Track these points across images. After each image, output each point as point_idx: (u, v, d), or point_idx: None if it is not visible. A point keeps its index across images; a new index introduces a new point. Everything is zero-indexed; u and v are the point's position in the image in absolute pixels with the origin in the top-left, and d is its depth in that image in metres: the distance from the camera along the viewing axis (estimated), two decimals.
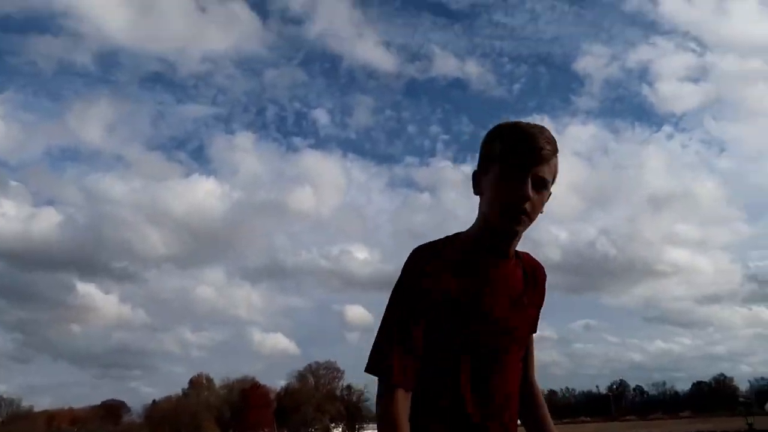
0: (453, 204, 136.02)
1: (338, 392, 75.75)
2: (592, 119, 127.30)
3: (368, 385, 79.14)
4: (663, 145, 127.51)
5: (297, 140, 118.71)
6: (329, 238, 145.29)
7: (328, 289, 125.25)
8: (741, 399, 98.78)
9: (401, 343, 1.16)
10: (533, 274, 1.34)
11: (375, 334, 1.22)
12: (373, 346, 1.20)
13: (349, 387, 76.55)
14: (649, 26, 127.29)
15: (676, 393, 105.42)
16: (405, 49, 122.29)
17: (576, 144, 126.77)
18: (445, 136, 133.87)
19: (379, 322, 1.23)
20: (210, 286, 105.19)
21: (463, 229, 1.30)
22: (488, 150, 1.23)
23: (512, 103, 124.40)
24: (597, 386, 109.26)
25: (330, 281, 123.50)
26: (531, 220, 1.21)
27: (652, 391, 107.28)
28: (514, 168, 1.17)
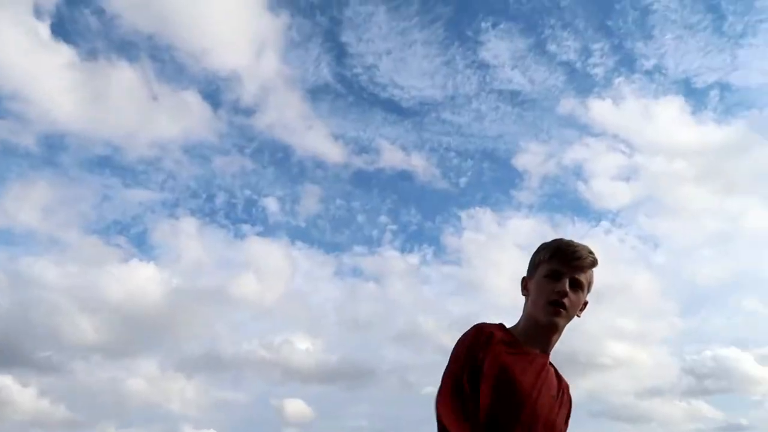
0: (398, 294, 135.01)
1: None
2: (533, 213, 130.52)
3: None
4: (601, 240, 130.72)
5: (245, 227, 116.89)
6: (271, 328, 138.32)
7: (268, 381, 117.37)
8: None
9: (467, 405, 1.31)
10: (561, 383, 1.50)
11: (437, 396, 1.38)
12: (444, 409, 1.35)
13: None
14: (582, 128, 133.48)
15: None
16: (354, 142, 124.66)
17: (518, 237, 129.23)
18: (393, 226, 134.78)
19: (440, 385, 1.38)
20: (142, 378, 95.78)
21: None
22: (536, 257, 1.50)
23: (457, 195, 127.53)
24: None
25: (270, 373, 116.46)
26: (569, 316, 1.43)
27: None
28: (555, 270, 1.43)
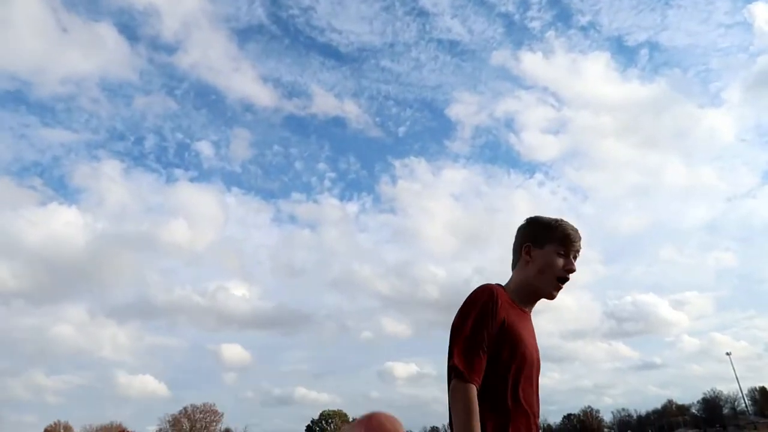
0: (335, 241, 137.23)
1: None
2: (470, 164, 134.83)
3: (249, 427, 76.01)
4: (535, 192, 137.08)
5: (178, 172, 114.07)
6: (205, 275, 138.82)
7: (203, 327, 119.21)
8: (606, 429, 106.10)
9: (479, 352, 1.58)
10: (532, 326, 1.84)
11: (452, 340, 1.61)
12: (456, 349, 1.58)
13: (227, 431, 72.75)
14: (514, 80, 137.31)
15: (549, 425, 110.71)
16: (284, 86, 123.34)
17: (452, 187, 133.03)
18: (332, 174, 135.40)
19: (455, 330, 1.62)
20: (69, 324, 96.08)
21: None
22: (547, 233, 1.80)
23: (394, 144, 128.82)
24: None
25: (205, 319, 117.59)
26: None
27: None
28: (566, 250, 1.79)
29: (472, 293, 1.68)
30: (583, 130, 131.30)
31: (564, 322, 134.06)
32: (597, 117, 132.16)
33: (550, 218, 1.85)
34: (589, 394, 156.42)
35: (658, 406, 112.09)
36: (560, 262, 1.77)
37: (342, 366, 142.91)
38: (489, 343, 1.60)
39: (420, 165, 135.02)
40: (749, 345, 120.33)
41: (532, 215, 1.90)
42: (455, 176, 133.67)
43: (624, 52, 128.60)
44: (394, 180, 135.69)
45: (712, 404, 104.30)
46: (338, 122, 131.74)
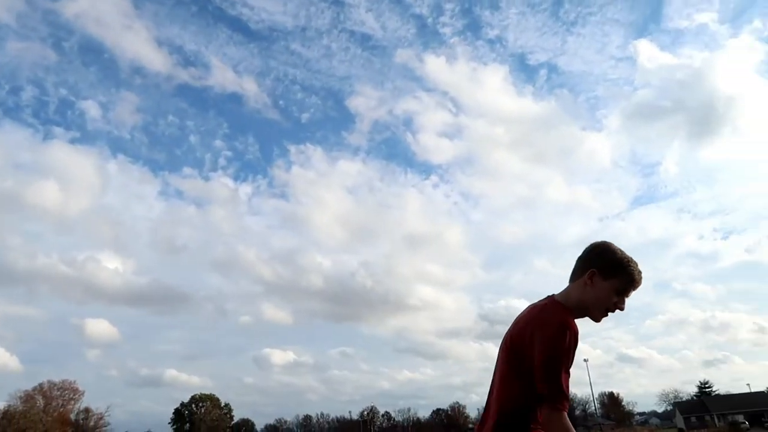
0: (221, 221, 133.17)
1: (73, 416, 67.02)
2: (369, 158, 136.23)
3: (110, 407, 71.59)
4: (429, 192, 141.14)
5: (58, 130, 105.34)
6: (75, 243, 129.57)
7: (68, 299, 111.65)
8: (470, 426, 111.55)
9: (568, 385, 1.81)
10: None
11: (557, 366, 1.80)
12: (565, 378, 1.80)
13: (86, 410, 68.30)
14: (417, 80, 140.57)
15: (419, 419, 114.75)
16: (180, 53, 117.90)
17: (346, 179, 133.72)
18: (229, 152, 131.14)
19: (551, 361, 1.80)
20: None
21: None
22: (618, 269, 1.93)
23: (295, 129, 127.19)
24: (350, 412, 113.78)
25: (71, 290, 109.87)
26: None
27: (398, 417, 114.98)
28: (625, 290, 1.94)
29: (566, 325, 1.85)
30: (478, 138, 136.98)
31: (441, 321, 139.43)
32: (492, 127, 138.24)
33: (623, 255, 1.95)
34: (458, 391, 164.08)
35: None
36: (615, 299, 1.95)
37: (217, 350, 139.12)
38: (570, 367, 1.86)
39: (316, 153, 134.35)
40: (603, 354, 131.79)
41: (608, 242, 2.01)
42: (351, 168, 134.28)
43: (525, 70, 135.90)
44: (288, 165, 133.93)
45: None
46: (235, 99, 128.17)
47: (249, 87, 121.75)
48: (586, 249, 2.02)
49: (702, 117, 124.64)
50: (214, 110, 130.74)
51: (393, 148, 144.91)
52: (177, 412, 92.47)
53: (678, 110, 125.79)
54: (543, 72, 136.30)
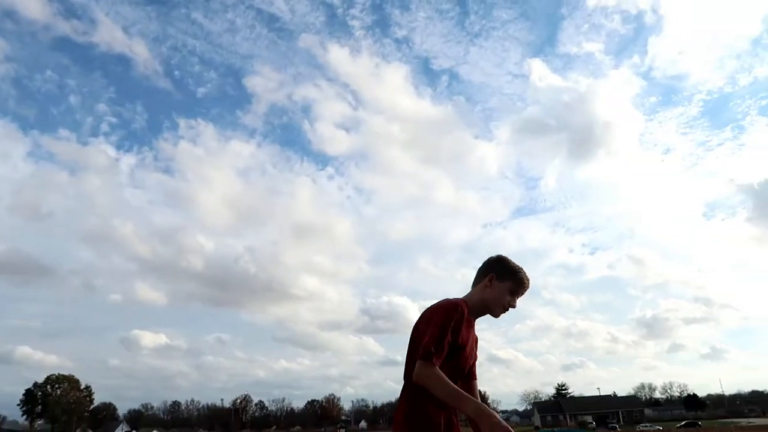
0: (96, 192, 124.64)
1: None
2: (264, 142, 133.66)
3: None
4: (322, 184, 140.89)
5: None
6: None
7: None
8: (344, 417, 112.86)
9: (440, 348, 2.10)
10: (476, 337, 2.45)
11: (424, 329, 2.16)
12: (428, 342, 2.09)
13: None
14: (319, 68, 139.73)
15: (293, 409, 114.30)
16: (63, 2, 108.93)
17: (237, 160, 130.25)
18: (113, 119, 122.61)
19: (425, 326, 2.18)
20: None
21: None
22: (510, 273, 2.38)
23: (184, 102, 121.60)
24: (222, 399, 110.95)
25: None
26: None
27: (272, 407, 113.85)
28: (516, 292, 2.40)
29: (444, 303, 2.24)
30: (375, 134, 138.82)
31: (324, 312, 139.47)
32: (389, 124, 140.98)
33: (515, 264, 2.42)
34: (334, 383, 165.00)
35: (393, 399, 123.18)
36: (509, 297, 2.38)
37: (81, 328, 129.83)
38: (449, 340, 2.13)
39: (208, 130, 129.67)
40: None
41: (503, 255, 2.45)
42: (243, 150, 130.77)
43: (427, 73, 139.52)
44: (177, 140, 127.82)
45: None
46: (123, 61, 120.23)
47: (139, 51, 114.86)
48: (486, 260, 2.47)
49: (582, 138, 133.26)
50: (100, 71, 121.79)
51: (289, 134, 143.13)
52: (29, 393, 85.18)
53: (562, 129, 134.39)
54: (444, 78, 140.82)
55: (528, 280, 2.42)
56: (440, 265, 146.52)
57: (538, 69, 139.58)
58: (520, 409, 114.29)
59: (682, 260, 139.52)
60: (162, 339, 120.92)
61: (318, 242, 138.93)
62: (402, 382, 2.29)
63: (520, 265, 2.42)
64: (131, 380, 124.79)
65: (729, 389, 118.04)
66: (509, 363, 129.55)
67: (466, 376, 2.39)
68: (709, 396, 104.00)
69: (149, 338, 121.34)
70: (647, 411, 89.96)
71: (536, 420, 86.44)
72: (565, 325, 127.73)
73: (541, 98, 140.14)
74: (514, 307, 2.41)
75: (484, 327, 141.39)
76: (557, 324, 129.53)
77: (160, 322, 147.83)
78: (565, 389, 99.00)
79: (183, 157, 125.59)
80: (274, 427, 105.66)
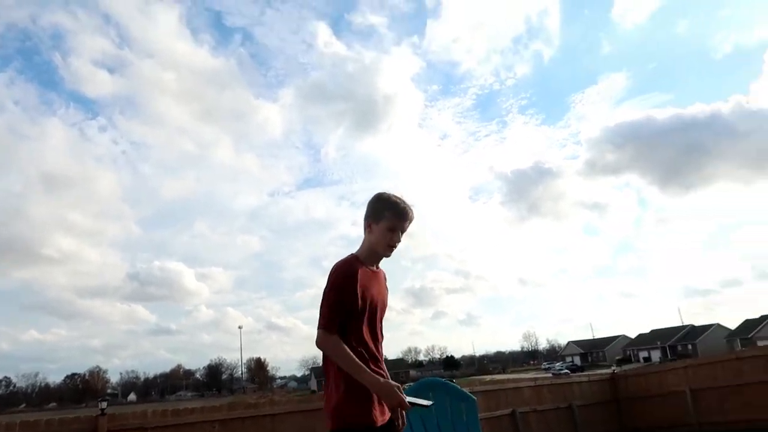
0: None
1: None
2: (5, 71, 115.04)
3: None
4: (95, 136, 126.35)
5: None
6: None
7: None
8: (110, 390, 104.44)
9: (337, 315, 2.13)
10: (384, 276, 2.49)
11: (324, 300, 2.15)
12: (325, 309, 2.12)
13: None
14: None
15: (47, 385, 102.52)
16: None
17: None
18: None
19: (323, 296, 2.16)
20: None
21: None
22: (381, 211, 2.30)
23: None
24: None
25: None
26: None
27: (21, 383, 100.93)
28: (395, 226, 2.31)
29: (336, 265, 2.22)
30: (144, 78, 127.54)
31: (83, 276, 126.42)
32: (161, 71, 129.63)
33: (387, 201, 2.32)
34: (98, 355, 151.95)
35: (167, 369, 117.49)
36: (390, 235, 2.31)
37: None
38: (347, 303, 2.14)
39: None
40: (254, 321, 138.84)
41: (379, 192, 2.37)
42: None
43: (220, 30, 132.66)
44: None
45: (214, 370, 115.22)
46: None
47: None
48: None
49: (365, 110, 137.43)
50: None
51: (35, 66, 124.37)
52: None
53: (347, 99, 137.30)
54: (238, 36, 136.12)
55: (404, 211, 2.33)
56: (221, 231, 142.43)
57: (326, 36, 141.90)
58: (299, 374, 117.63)
59: (449, 237, 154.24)
60: None
61: (74, 195, 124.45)
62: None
63: (396, 199, 2.34)
64: None
65: (479, 350, 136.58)
66: (288, 330, 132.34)
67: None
68: (464, 357, 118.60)
69: None
70: (412, 372, 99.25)
71: (313, 384, 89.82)
72: None
73: (326, 65, 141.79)
74: (399, 241, 2.37)
75: (262, 296, 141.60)
76: None
77: None
78: None
79: None
80: (23, 405, 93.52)
